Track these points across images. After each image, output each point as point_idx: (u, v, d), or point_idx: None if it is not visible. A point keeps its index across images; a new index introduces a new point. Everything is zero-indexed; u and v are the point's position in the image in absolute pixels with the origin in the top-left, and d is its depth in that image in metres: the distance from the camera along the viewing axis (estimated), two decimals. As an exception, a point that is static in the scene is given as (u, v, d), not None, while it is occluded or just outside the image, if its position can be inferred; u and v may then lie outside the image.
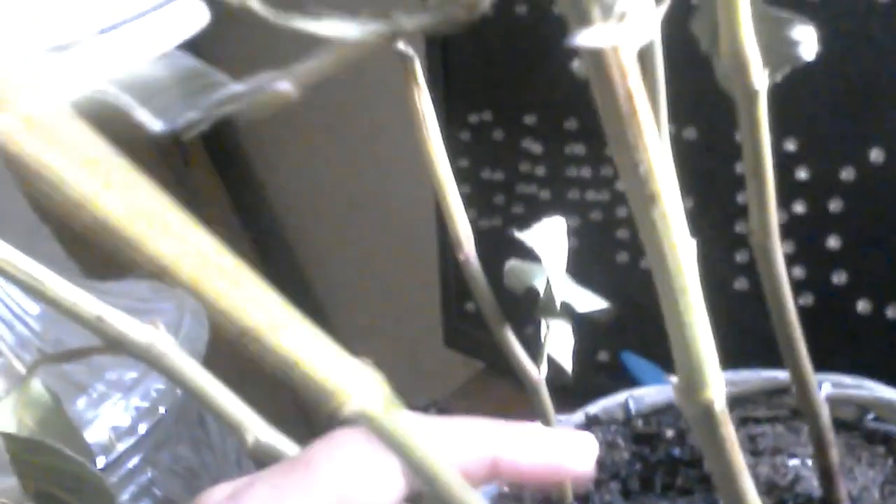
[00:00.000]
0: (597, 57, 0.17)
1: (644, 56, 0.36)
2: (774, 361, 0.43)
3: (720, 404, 0.22)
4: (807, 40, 0.35)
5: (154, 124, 0.12)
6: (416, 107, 0.34)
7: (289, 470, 0.27)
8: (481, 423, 0.29)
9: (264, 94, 0.12)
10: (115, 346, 0.29)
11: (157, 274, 0.14)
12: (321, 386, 0.16)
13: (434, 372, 0.93)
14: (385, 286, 1.12)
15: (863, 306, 0.56)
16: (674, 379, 0.22)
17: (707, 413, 0.22)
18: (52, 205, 0.13)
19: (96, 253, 0.16)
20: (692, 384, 0.22)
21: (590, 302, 0.39)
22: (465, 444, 0.28)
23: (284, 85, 0.12)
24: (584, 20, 0.16)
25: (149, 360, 0.29)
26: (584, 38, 0.14)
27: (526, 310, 0.39)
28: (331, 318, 1.23)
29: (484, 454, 0.28)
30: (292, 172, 1.15)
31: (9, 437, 0.29)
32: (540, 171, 0.72)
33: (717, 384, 0.22)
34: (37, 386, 0.30)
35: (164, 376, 0.29)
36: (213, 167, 1.14)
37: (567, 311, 0.38)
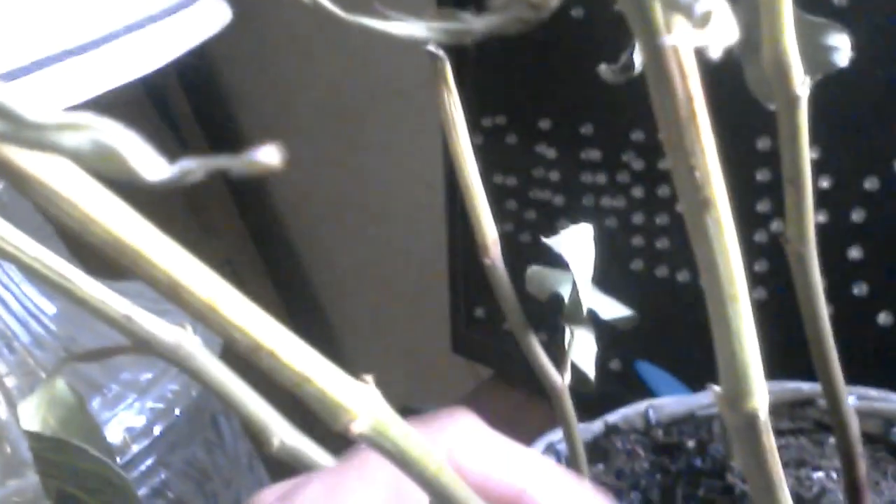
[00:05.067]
0: (658, 59, 0.16)
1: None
2: (792, 372, 0.43)
3: (764, 414, 0.22)
4: (842, 47, 0.35)
5: (156, 170, 0.12)
6: (445, 108, 0.34)
7: (341, 470, 0.27)
8: (519, 450, 0.28)
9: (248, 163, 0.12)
10: (143, 346, 0.28)
11: (170, 294, 0.15)
12: (331, 403, 0.16)
13: (441, 378, 0.93)
14: (392, 292, 1.12)
15: (884, 318, 0.55)
16: (716, 388, 0.22)
17: (751, 423, 0.22)
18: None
19: (100, 254, 0.16)
20: (737, 393, 0.21)
21: (614, 309, 0.39)
22: (498, 467, 0.27)
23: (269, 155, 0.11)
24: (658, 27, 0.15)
25: (176, 361, 0.28)
26: (671, 40, 0.13)
27: (541, 314, 0.38)
28: (337, 323, 1.22)
29: (514, 484, 0.27)
30: (299, 175, 1.15)
31: (33, 436, 0.28)
32: (554, 176, 0.72)
33: (762, 394, 0.21)
34: (61, 385, 0.30)
35: (192, 377, 0.28)
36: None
37: (591, 319, 0.38)
